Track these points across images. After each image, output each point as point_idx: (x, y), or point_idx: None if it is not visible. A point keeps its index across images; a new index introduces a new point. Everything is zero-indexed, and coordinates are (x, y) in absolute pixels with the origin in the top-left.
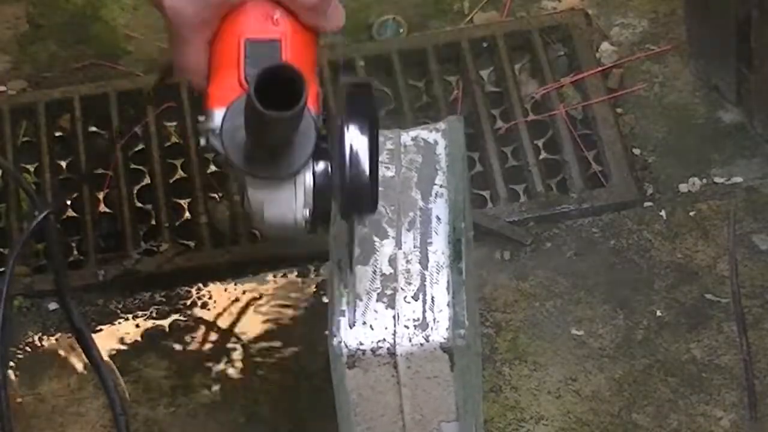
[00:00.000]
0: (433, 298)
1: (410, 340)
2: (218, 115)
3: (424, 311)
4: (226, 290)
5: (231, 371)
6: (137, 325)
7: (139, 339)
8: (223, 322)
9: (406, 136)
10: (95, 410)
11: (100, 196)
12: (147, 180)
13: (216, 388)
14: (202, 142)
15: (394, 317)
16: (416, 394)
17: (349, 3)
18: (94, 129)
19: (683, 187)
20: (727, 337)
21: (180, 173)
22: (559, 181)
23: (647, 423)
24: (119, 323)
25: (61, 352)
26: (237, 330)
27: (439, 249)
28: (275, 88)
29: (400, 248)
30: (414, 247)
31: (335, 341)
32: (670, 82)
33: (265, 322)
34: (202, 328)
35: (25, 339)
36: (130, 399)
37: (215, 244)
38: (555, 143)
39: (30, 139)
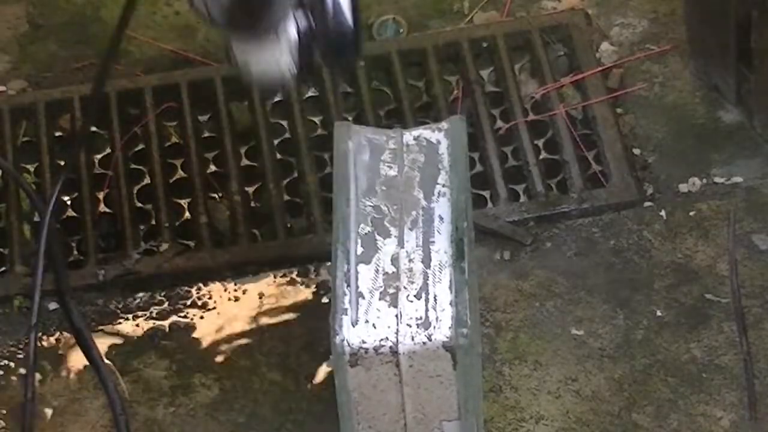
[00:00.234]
0: (435, 296)
1: (413, 339)
2: None
3: (426, 310)
4: (226, 290)
5: (231, 371)
6: (137, 325)
7: (139, 339)
8: (223, 322)
9: (409, 136)
10: (95, 410)
11: (100, 196)
12: (147, 180)
13: (216, 388)
14: (188, 5)
15: (396, 316)
16: (418, 393)
17: None
18: (94, 129)
19: (683, 187)
20: (727, 337)
21: (180, 173)
22: (559, 181)
23: (647, 423)
24: (119, 323)
25: (61, 352)
26: (237, 330)
27: (441, 248)
28: None
29: (402, 247)
30: (416, 246)
31: (337, 339)
32: (670, 82)
33: (265, 322)
34: (202, 328)
35: (25, 339)
36: (130, 399)
37: (215, 244)
38: (555, 143)
39: (30, 139)
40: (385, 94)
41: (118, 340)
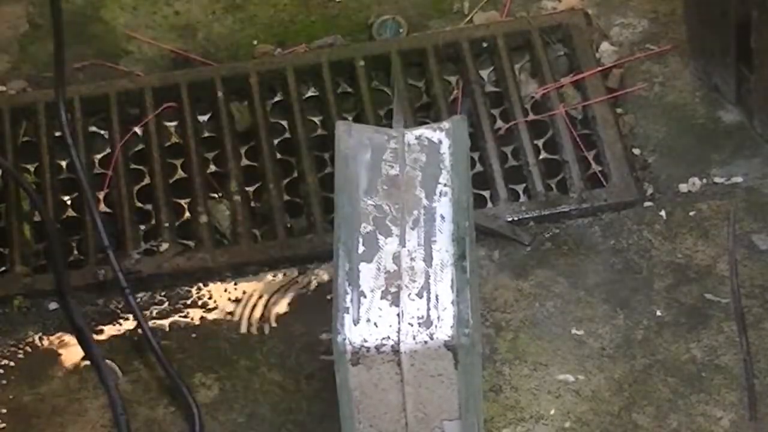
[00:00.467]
0: (437, 296)
1: (414, 338)
2: None
3: (428, 309)
4: (226, 290)
5: (231, 371)
6: (137, 325)
7: (139, 339)
8: (223, 322)
9: (411, 136)
10: (95, 410)
11: (100, 196)
12: (147, 180)
13: (216, 388)
14: None
15: (398, 315)
16: (419, 392)
17: (349, 3)
18: (94, 129)
19: (683, 187)
20: (727, 337)
21: (180, 173)
22: (559, 181)
23: (647, 423)
24: (119, 323)
25: (61, 352)
26: (237, 330)
27: (443, 247)
28: None
29: (404, 246)
30: (418, 245)
31: (339, 338)
32: (670, 82)
33: (265, 322)
34: (202, 328)
35: (25, 339)
36: (130, 399)
37: (215, 244)
38: (555, 143)
39: (30, 139)
40: (385, 94)
41: (118, 340)
